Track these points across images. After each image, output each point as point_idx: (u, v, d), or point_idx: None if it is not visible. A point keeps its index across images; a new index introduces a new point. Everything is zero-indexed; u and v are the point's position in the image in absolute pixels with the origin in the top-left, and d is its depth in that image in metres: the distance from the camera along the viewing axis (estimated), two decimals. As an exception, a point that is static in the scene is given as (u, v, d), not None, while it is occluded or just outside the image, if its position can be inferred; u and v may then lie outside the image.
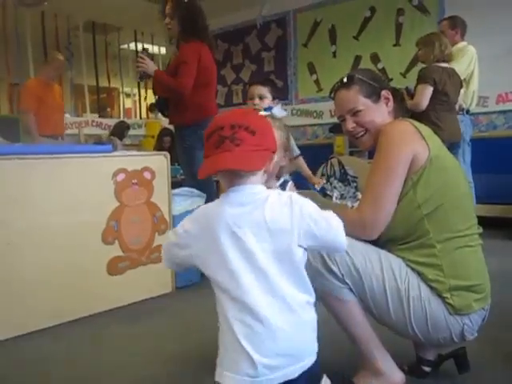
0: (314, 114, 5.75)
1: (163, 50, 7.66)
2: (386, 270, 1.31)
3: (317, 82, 5.77)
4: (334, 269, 1.30)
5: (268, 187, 0.98)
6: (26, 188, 2.09)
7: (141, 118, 8.04)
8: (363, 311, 1.35)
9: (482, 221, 1.44)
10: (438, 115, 3.21)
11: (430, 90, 3.17)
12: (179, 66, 2.88)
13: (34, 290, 2.09)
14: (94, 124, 6.72)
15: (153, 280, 2.54)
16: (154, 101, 7.75)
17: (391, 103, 1.47)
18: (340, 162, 1.89)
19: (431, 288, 1.30)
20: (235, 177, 0.94)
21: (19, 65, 6.30)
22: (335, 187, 1.88)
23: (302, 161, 2.67)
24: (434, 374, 1.51)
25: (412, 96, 3.27)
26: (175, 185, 2.83)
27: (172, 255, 1.03)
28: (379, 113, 1.45)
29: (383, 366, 1.36)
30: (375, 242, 1.36)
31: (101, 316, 2.27)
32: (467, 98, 3.67)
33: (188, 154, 2.94)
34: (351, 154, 4.58)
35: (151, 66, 2.90)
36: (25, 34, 6.19)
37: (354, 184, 1.84)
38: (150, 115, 7.62)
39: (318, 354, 0.97)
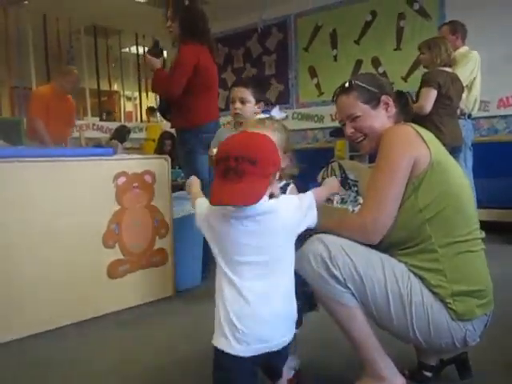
0: (315, 118, 5.75)
1: (165, 54, 7.66)
2: (388, 275, 1.30)
3: (318, 86, 5.77)
4: (337, 273, 1.30)
5: (271, 193, 1.08)
6: (26, 191, 2.09)
7: (141, 121, 8.05)
8: (365, 317, 1.34)
9: (483, 225, 1.43)
10: (441, 119, 3.19)
11: (434, 93, 3.15)
12: (173, 66, 2.88)
13: (34, 293, 2.09)
14: (95, 127, 6.72)
15: (153, 283, 2.54)
16: (152, 104, 7.84)
17: (391, 108, 1.47)
18: (341, 166, 1.88)
19: (434, 293, 1.29)
20: None
21: (21, 68, 6.31)
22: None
23: None
24: (436, 380, 1.51)
25: (414, 100, 3.26)
26: (176, 188, 2.84)
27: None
28: (378, 118, 1.45)
29: (384, 371, 1.35)
30: (377, 247, 1.36)
31: (101, 319, 2.27)
32: (469, 103, 3.64)
33: (189, 157, 2.93)
34: (352, 157, 4.57)
35: (156, 63, 2.93)
36: (26, 37, 6.21)
37: (355, 188, 1.83)
38: (151, 119, 7.63)
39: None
